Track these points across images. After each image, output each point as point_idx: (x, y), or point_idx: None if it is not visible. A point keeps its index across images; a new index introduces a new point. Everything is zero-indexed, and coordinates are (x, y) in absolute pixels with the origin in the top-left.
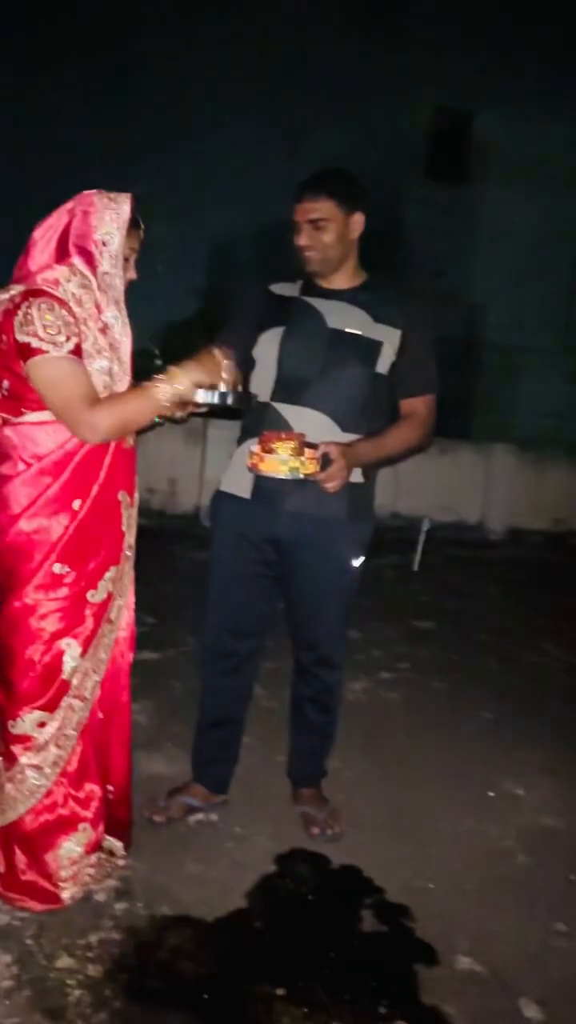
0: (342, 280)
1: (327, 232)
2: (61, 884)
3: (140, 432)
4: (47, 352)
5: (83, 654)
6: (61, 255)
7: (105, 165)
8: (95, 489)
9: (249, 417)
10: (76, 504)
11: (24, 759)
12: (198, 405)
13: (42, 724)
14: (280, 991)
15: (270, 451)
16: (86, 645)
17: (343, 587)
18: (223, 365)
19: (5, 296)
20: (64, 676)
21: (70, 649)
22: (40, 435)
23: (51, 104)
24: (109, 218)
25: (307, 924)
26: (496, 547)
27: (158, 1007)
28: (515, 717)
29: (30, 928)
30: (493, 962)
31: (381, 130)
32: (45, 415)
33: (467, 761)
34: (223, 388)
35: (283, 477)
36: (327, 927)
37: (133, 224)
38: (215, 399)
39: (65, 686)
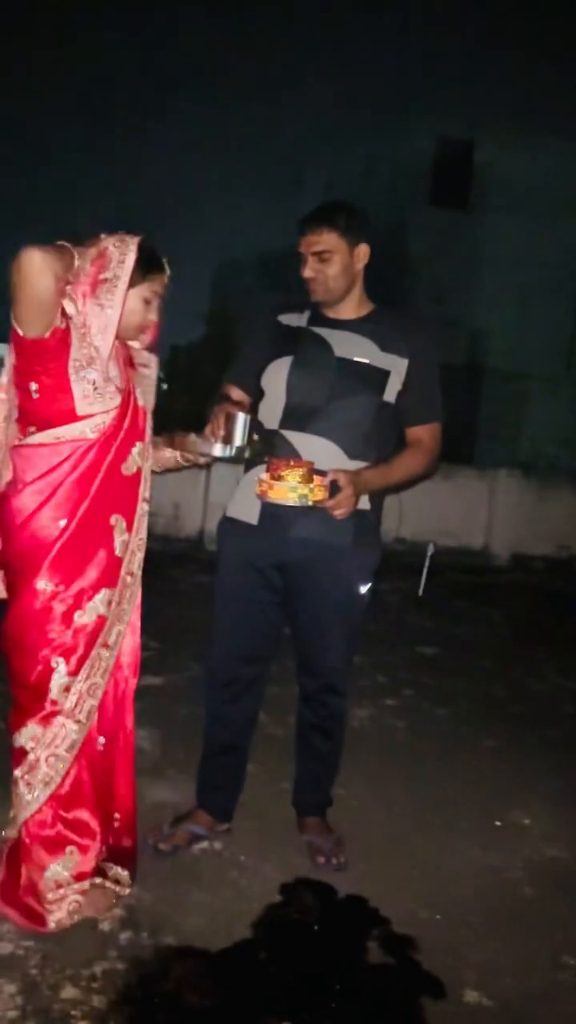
0: (349, 310)
1: (332, 264)
2: (47, 907)
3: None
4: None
5: (73, 674)
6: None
7: (110, 191)
8: (82, 510)
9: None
10: (62, 523)
11: (17, 772)
12: (216, 457)
13: (35, 739)
14: None
15: (279, 479)
16: (77, 666)
17: (349, 614)
18: (238, 419)
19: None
20: (52, 695)
21: (59, 667)
22: (36, 457)
23: (59, 132)
24: (115, 261)
25: (313, 955)
26: (500, 573)
27: None
28: (520, 745)
29: (34, 957)
30: (501, 995)
31: (383, 159)
32: (45, 436)
33: (473, 790)
34: (238, 443)
35: (292, 504)
36: (333, 958)
37: (154, 266)
38: (231, 453)
39: (55, 705)
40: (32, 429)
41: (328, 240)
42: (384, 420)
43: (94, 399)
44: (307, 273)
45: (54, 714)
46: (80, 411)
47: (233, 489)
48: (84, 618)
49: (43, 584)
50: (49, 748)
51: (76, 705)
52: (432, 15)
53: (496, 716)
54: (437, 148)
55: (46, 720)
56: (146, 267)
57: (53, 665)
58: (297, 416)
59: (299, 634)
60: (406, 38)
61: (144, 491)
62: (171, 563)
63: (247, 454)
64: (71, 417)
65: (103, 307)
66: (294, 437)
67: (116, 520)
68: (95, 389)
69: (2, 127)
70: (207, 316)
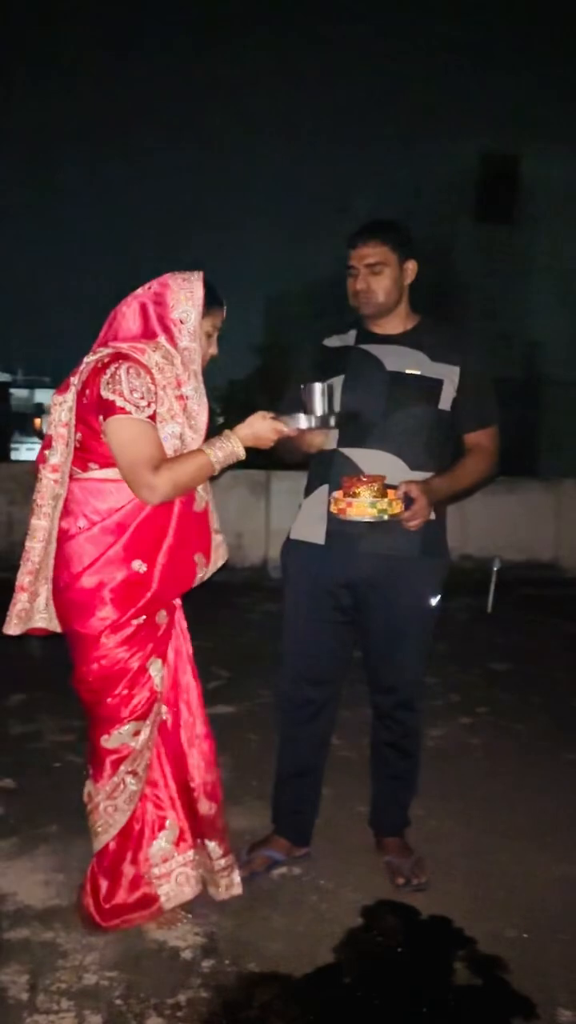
0: (395, 325)
1: (383, 277)
2: (156, 882)
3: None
4: (129, 413)
5: (164, 663)
6: (146, 330)
7: (163, 228)
8: (163, 552)
9: (317, 465)
10: (136, 564)
11: (123, 767)
12: (300, 431)
13: (137, 733)
14: None
15: (354, 495)
16: (163, 656)
17: (420, 626)
18: (315, 389)
19: (93, 357)
20: (158, 688)
21: (154, 666)
22: (104, 492)
23: (106, 168)
24: (184, 297)
25: (398, 978)
26: (571, 585)
27: None
28: None
29: (118, 988)
30: None
31: (429, 179)
32: (111, 472)
33: (555, 805)
34: (319, 411)
35: (370, 520)
36: (419, 981)
37: (214, 302)
38: (316, 424)
39: (155, 694)
40: (93, 466)
41: (380, 252)
42: (441, 429)
43: (183, 451)
44: (358, 285)
45: (152, 703)
46: None
47: (294, 513)
48: (162, 618)
49: (106, 612)
50: (149, 734)
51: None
52: (467, 34)
53: (574, 730)
54: (481, 166)
55: (146, 714)
56: (208, 302)
57: (148, 666)
58: (355, 433)
59: (371, 651)
60: (445, 59)
61: (215, 523)
62: (237, 592)
63: (332, 422)
64: None
65: (188, 350)
66: (354, 453)
67: (199, 558)
68: (183, 444)
69: (61, 162)
70: (261, 348)
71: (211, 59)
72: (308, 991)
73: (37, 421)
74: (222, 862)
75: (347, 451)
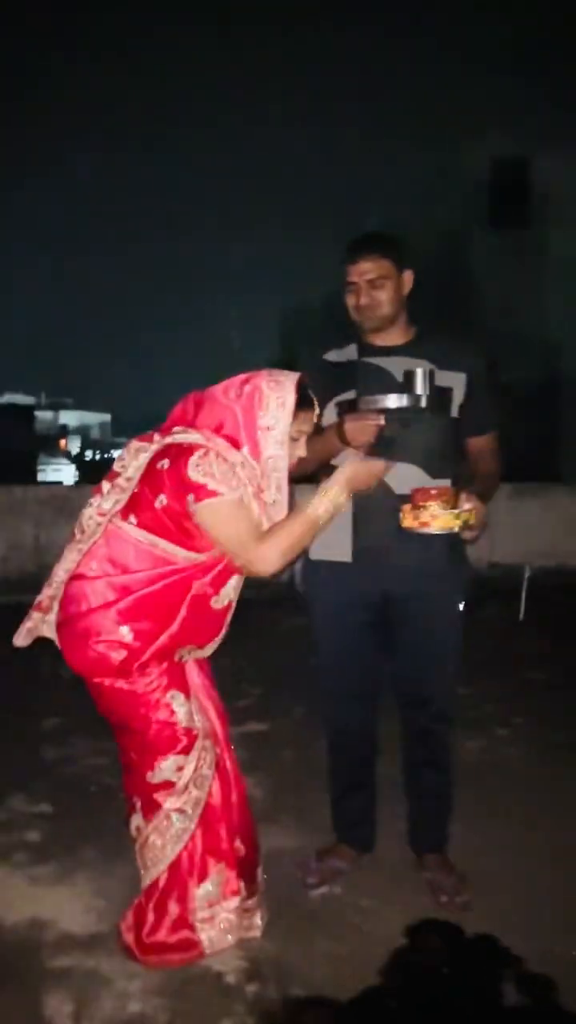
0: (397, 336)
1: (384, 290)
2: (199, 926)
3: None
4: (222, 494)
5: (187, 697)
6: (231, 437)
7: (177, 242)
8: (165, 635)
9: None
10: (123, 630)
11: (168, 804)
12: (391, 413)
13: (180, 768)
14: None
15: (423, 508)
16: (185, 689)
17: (452, 635)
18: (419, 373)
19: (183, 434)
20: (183, 723)
21: (175, 700)
22: (126, 547)
23: (123, 186)
24: (275, 404)
25: (445, 1000)
26: None
27: None
28: None
29: (163, 1016)
30: None
31: (440, 186)
32: (140, 534)
33: None
34: (419, 391)
35: (447, 532)
36: (467, 1002)
37: (305, 405)
38: (405, 402)
39: (190, 732)
40: (132, 519)
41: (381, 267)
42: (454, 435)
43: None
44: (361, 300)
45: (194, 739)
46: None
47: None
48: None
49: (94, 661)
50: (195, 770)
51: (202, 725)
52: (472, 39)
53: None
54: (492, 170)
55: (188, 748)
56: (299, 405)
57: (169, 700)
58: (374, 447)
59: (404, 663)
60: (452, 66)
61: (228, 620)
62: (265, 607)
63: (423, 403)
64: (179, 540)
65: (273, 458)
66: None
67: (189, 649)
68: None
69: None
70: (279, 362)
71: (215, 65)
72: (354, 1016)
73: (63, 442)
74: (248, 903)
75: None
